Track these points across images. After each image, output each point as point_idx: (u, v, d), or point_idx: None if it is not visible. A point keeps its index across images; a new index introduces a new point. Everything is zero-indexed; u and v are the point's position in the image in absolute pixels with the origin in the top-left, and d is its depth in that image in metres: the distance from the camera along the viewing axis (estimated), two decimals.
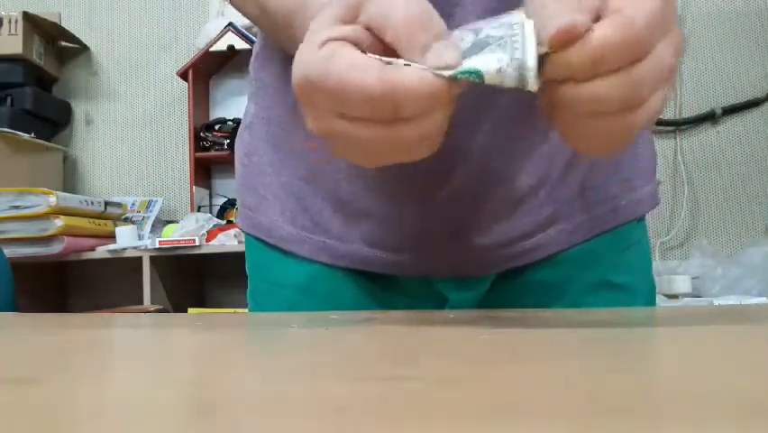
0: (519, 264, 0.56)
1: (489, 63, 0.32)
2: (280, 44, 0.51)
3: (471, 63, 0.33)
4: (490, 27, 0.34)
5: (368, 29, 0.34)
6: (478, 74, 0.33)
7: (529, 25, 0.33)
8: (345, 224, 0.56)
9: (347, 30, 0.34)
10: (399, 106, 0.32)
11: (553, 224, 0.55)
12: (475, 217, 0.54)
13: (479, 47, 0.33)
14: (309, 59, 0.34)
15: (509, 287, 0.57)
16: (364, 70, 0.32)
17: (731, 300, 1.89)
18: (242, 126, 0.64)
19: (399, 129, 0.33)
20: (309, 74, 0.34)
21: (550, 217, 0.55)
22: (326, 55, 0.33)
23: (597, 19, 0.33)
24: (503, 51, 0.33)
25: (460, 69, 0.32)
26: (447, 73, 0.32)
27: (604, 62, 0.32)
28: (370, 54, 0.34)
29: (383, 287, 0.58)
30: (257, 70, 0.61)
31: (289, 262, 0.59)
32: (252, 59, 0.62)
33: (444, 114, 0.34)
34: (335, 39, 0.34)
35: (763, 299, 1.91)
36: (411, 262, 0.56)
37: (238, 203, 0.65)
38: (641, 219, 0.60)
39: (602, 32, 0.31)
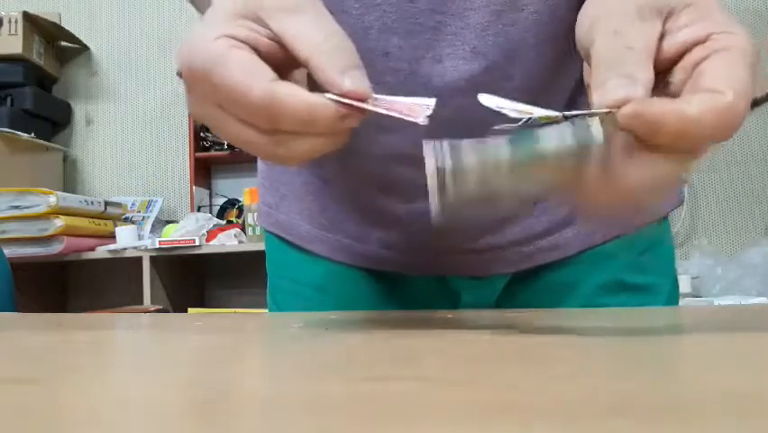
0: (535, 264, 0.56)
1: (551, 136, 0.31)
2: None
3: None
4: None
5: (273, 38, 0.33)
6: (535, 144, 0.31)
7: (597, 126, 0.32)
8: (361, 224, 0.57)
9: (250, 33, 0.33)
10: (277, 121, 0.31)
11: (570, 224, 0.55)
12: (490, 217, 0.54)
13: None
14: (199, 48, 0.33)
15: (524, 287, 0.57)
16: (253, 75, 0.31)
17: (731, 300, 1.89)
18: None
19: (274, 141, 0.32)
20: (194, 64, 0.33)
21: (567, 217, 0.55)
22: (219, 48, 0.32)
23: (671, 61, 0.32)
24: (566, 126, 0.31)
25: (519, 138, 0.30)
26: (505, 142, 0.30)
27: (685, 140, 0.30)
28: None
29: (398, 286, 0.58)
30: None
31: (307, 259, 0.59)
32: None
33: (329, 141, 0.33)
34: (234, 37, 0.33)
35: (763, 299, 1.91)
36: (426, 263, 0.56)
37: (259, 200, 0.65)
38: (662, 219, 0.59)
39: (701, 115, 0.29)
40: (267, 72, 0.32)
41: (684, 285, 1.96)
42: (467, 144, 0.31)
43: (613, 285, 0.56)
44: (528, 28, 0.46)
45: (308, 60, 0.32)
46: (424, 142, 0.31)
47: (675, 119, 0.29)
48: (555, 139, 0.31)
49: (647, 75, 0.31)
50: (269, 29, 0.33)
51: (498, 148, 0.31)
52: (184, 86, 0.34)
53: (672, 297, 0.60)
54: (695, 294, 2.03)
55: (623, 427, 0.16)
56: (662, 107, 0.30)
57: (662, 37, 0.33)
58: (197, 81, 0.33)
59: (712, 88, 0.30)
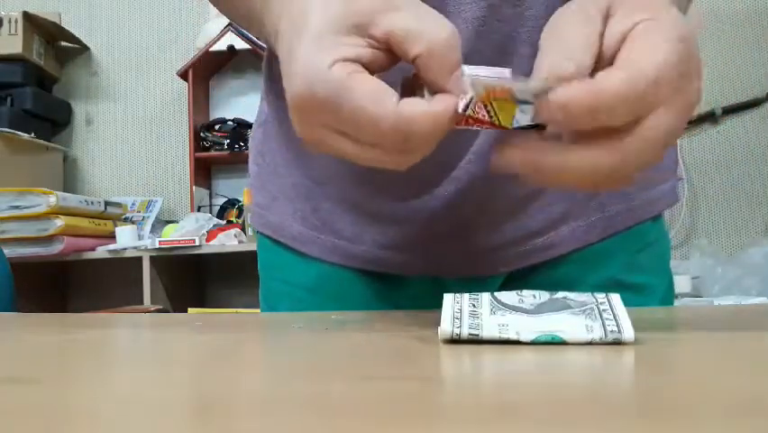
0: (531, 263, 0.55)
1: (577, 331, 0.30)
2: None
3: (552, 326, 0.30)
4: (570, 293, 0.34)
5: (381, 42, 0.34)
6: (561, 340, 0.30)
7: (617, 298, 0.33)
8: (355, 225, 0.56)
9: (359, 49, 0.33)
10: (406, 142, 0.32)
11: (565, 222, 0.55)
12: (485, 216, 0.53)
13: (555, 306, 0.32)
14: (316, 77, 0.33)
15: (520, 286, 0.56)
16: (381, 103, 0.32)
17: (731, 300, 1.89)
18: (255, 125, 0.65)
19: (395, 155, 0.34)
20: (317, 91, 0.33)
21: (562, 215, 0.54)
22: (340, 77, 0.32)
23: (611, 58, 0.32)
24: (592, 319, 0.31)
25: (540, 334, 0.30)
26: (527, 339, 0.30)
27: (600, 114, 0.30)
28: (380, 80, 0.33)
29: (393, 287, 0.57)
30: (270, 71, 0.61)
31: (299, 261, 0.59)
32: (265, 58, 0.62)
33: (437, 142, 0.34)
34: (348, 59, 0.33)
35: (762, 299, 1.91)
36: (421, 263, 0.56)
37: (251, 201, 0.65)
38: (658, 218, 0.59)
39: (606, 84, 0.30)
40: (390, 95, 0.32)
41: (684, 285, 1.96)
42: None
43: (609, 284, 0.56)
44: (524, 23, 0.46)
45: (420, 66, 0.33)
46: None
47: (583, 96, 0.30)
48: (582, 340, 0.30)
49: (586, 58, 0.32)
50: (370, 35, 0.34)
51: None
52: (294, 112, 0.35)
53: (668, 296, 0.60)
54: (695, 294, 2.03)
55: (623, 427, 0.16)
56: (569, 90, 0.30)
57: (602, 37, 0.33)
58: (316, 110, 0.33)
59: (622, 61, 0.31)
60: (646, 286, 0.57)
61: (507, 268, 0.56)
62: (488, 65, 0.35)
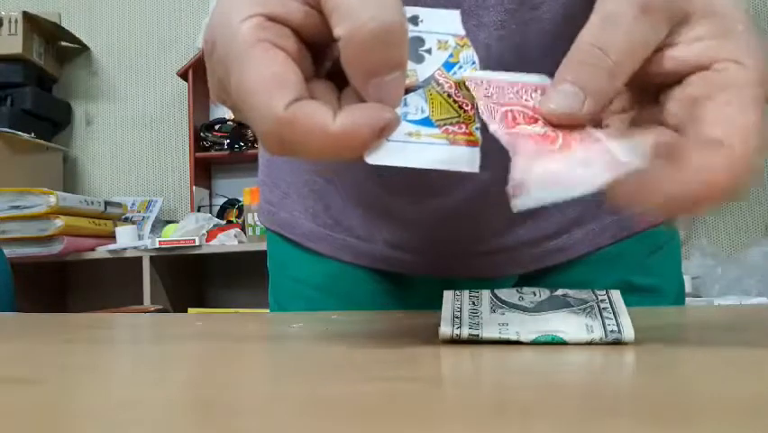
0: (543, 266, 0.55)
1: (577, 331, 0.30)
2: None
3: (552, 325, 0.30)
4: (570, 290, 0.33)
5: (313, 4, 0.27)
6: (561, 340, 0.30)
7: (617, 295, 0.32)
8: (366, 223, 0.56)
9: (292, 4, 0.27)
10: (288, 147, 0.27)
11: (579, 225, 0.55)
12: (498, 218, 0.53)
13: (555, 304, 0.32)
14: (225, 28, 0.27)
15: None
16: (274, 93, 0.26)
17: (731, 300, 1.89)
18: None
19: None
20: (216, 47, 0.28)
21: (576, 219, 0.54)
22: (244, 42, 0.27)
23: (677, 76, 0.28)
24: (591, 319, 0.31)
25: (540, 334, 0.30)
26: (527, 339, 0.30)
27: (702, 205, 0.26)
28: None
29: (403, 287, 0.57)
30: None
31: (309, 258, 0.59)
32: None
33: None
34: (271, 16, 0.27)
35: (762, 299, 1.91)
36: (432, 263, 0.56)
37: (260, 198, 0.64)
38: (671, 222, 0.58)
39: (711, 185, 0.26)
40: (290, 86, 0.26)
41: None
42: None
43: (621, 286, 0.55)
44: (543, 27, 0.46)
45: (341, 46, 0.26)
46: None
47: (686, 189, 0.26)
48: (583, 340, 0.30)
49: (605, 86, 0.28)
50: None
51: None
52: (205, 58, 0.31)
53: (679, 299, 0.60)
54: (695, 294, 2.03)
55: (623, 427, 0.16)
56: (669, 177, 0.26)
57: (664, 45, 0.28)
58: (217, 65, 0.29)
59: (714, 139, 0.26)
60: (659, 288, 0.57)
61: (520, 270, 0.55)
62: (506, 70, 0.33)
